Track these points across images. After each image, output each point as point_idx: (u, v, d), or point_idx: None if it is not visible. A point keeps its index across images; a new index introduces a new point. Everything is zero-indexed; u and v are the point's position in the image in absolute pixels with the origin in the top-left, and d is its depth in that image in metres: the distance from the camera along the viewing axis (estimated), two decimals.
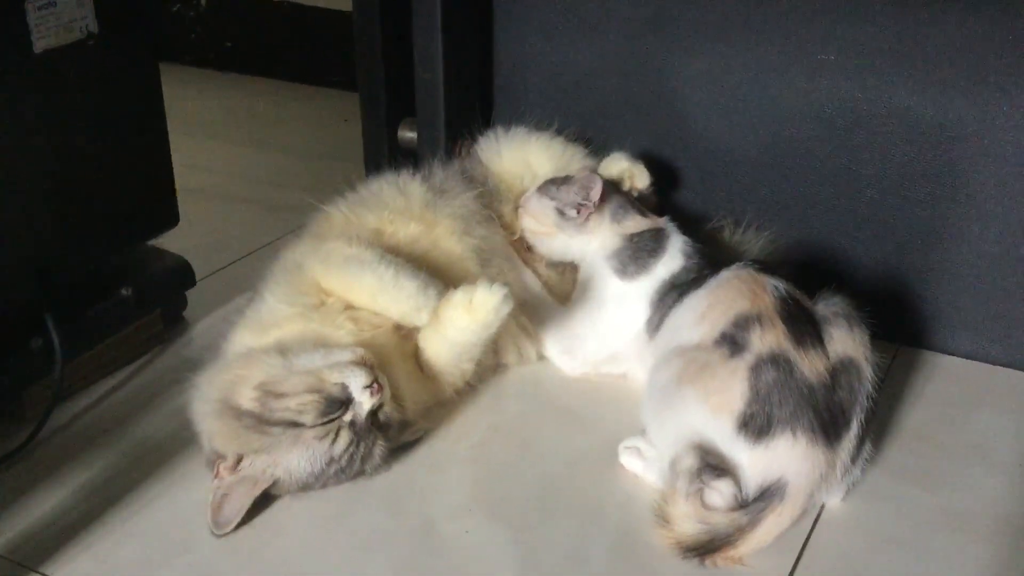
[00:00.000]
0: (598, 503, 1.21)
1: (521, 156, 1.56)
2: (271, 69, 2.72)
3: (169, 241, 1.56)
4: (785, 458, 1.13)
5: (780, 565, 1.12)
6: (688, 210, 1.61)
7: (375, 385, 1.16)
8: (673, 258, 1.37)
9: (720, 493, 1.12)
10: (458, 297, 1.24)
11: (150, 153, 1.47)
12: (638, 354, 1.37)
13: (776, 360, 1.16)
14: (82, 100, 1.33)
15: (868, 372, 1.18)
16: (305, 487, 1.18)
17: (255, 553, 1.13)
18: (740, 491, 1.13)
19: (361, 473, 1.20)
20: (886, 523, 1.19)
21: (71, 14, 1.28)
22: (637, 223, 1.41)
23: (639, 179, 1.53)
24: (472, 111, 1.69)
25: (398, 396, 1.24)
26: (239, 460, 1.15)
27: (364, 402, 1.15)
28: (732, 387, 1.16)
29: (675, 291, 1.34)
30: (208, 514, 1.14)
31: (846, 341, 1.19)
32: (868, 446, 1.21)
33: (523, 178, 1.54)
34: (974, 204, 1.43)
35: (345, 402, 1.15)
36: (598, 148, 1.59)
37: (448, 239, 1.39)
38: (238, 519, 1.15)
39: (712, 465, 1.14)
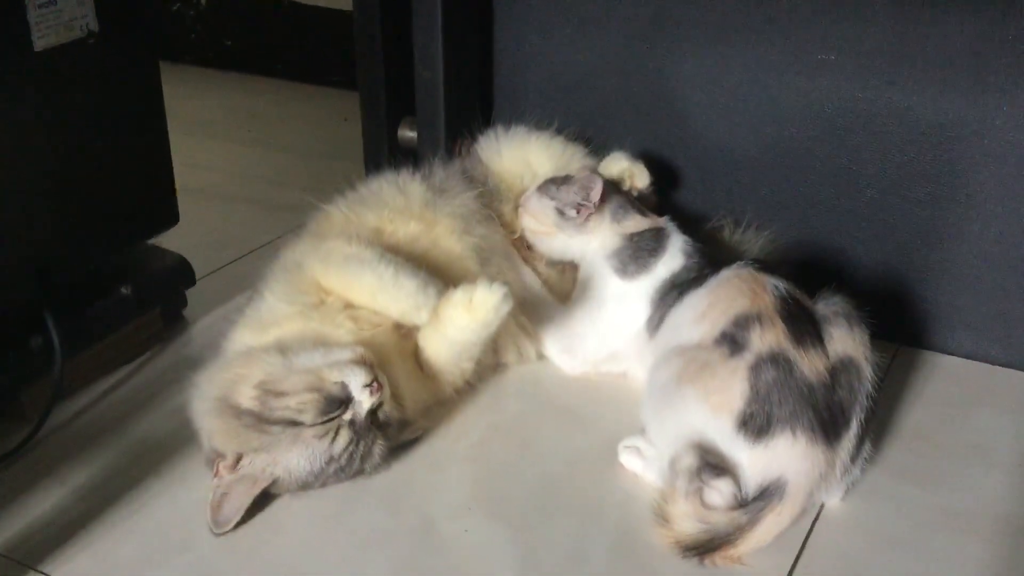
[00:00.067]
0: (598, 502, 1.21)
1: (521, 155, 1.56)
2: (271, 68, 2.72)
3: (169, 240, 1.56)
4: (785, 457, 1.13)
5: (779, 564, 1.12)
6: (688, 209, 1.61)
7: (375, 384, 1.16)
8: (673, 257, 1.37)
9: (720, 492, 1.12)
10: (458, 296, 1.24)
11: (150, 152, 1.47)
12: (638, 353, 1.37)
13: (776, 359, 1.16)
14: (82, 99, 1.33)
15: (868, 371, 1.18)
16: (305, 486, 1.18)
17: (254, 552, 1.13)
18: (740, 490, 1.13)
19: (360, 472, 1.20)
20: (886, 522, 1.19)
21: (71, 12, 1.28)
22: (637, 223, 1.41)
23: (639, 178, 1.53)
24: (472, 110, 1.69)
25: (398, 395, 1.24)
26: (239, 459, 1.15)
27: (364, 401, 1.15)
28: (732, 386, 1.16)
29: (675, 290, 1.34)
30: (208, 513, 1.14)
31: (846, 340, 1.19)
32: (868, 446, 1.21)
33: (523, 177, 1.54)
34: (974, 204, 1.43)
35: (345, 401, 1.15)
36: (598, 147, 1.59)
37: (448, 238, 1.39)
38: (238, 518, 1.15)
39: (712, 464, 1.14)
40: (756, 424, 1.14)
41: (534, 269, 1.47)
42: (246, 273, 1.43)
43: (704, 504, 1.12)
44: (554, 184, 1.44)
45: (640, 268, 1.38)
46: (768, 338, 1.17)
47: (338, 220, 1.39)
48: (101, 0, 1.30)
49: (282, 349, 1.19)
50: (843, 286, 1.27)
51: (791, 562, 1.13)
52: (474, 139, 1.61)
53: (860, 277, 1.53)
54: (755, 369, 1.16)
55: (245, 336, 1.26)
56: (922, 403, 1.40)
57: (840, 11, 1.44)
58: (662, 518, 1.14)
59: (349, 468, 1.18)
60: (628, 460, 1.26)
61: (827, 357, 1.18)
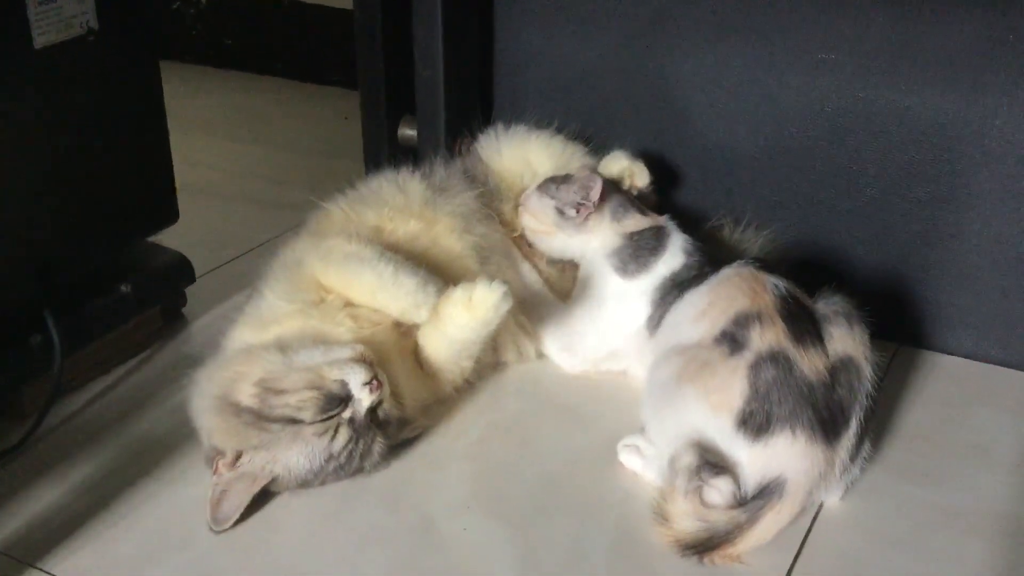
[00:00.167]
0: (597, 501, 1.21)
1: (521, 154, 1.56)
2: (271, 67, 2.72)
3: (169, 238, 1.56)
4: (784, 456, 1.13)
5: (779, 563, 1.12)
6: (688, 208, 1.61)
7: (374, 382, 1.16)
8: (674, 256, 1.37)
9: (719, 491, 1.12)
10: (458, 294, 1.24)
11: (150, 150, 1.47)
12: (638, 352, 1.37)
13: (776, 358, 1.16)
14: (82, 97, 1.33)
15: (868, 371, 1.18)
16: (304, 484, 1.18)
17: (254, 549, 1.13)
18: (739, 489, 1.13)
19: (360, 470, 1.20)
20: (885, 522, 1.19)
21: (71, 10, 1.28)
22: (637, 222, 1.41)
23: (639, 178, 1.53)
24: (472, 109, 1.69)
25: (397, 393, 1.24)
26: (238, 456, 1.15)
27: (363, 399, 1.15)
28: (732, 385, 1.16)
29: (676, 289, 1.34)
30: (207, 510, 1.13)
31: (846, 340, 1.19)
32: (867, 445, 1.21)
33: (523, 176, 1.54)
34: (974, 204, 1.43)
35: (344, 399, 1.15)
36: (598, 146, 1.59)
37: (447, 236, 1.39)
38: (237, 515, 1.15)
39: (711, 463, 1.14)
40: (756, 423, 1.14)
41: (535, 267, 1.47)
42: (246, 271, 1.43)
43: (703, 503, 1.12)
44: (554, 183, 1.44)
45: (640, 267, 1.38)
46: (768, 337, 1.17)
47: (338, 218, 1.39)
48: None
49: (282, 347, 1.19)
50: (843, 285, 1.27)
51: (790, 561, 1.13)
52: (474, 138, 1.61)
53: (860, 276, 1.53)
54: (755, 368, 1.16)
55: (245, 334, 1.26)
56: (922, 403, 1.40)
57: (840, 11, 1.44)
58: (661, 517, 1.14)
59: (348, 466, 1.18)
60: (628, 459, 1.26)
61: (827, 356, 1.18)
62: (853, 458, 1.18)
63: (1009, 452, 1.30)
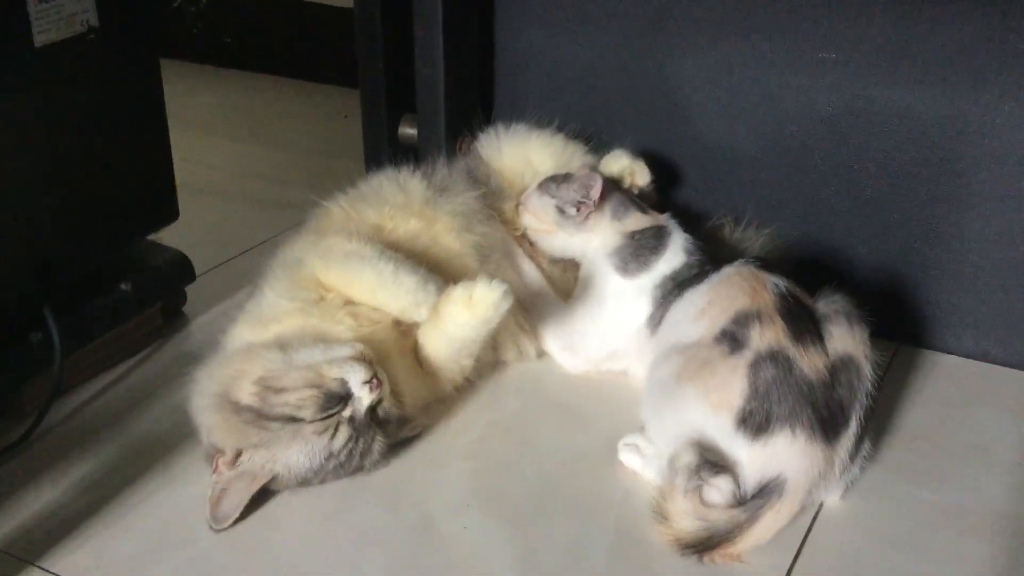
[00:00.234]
0: (597, 500, 1.21)
1: (522, 153, 1.56)
2: (271, 65, 2.72)
3: (169, 236, 1.56)
4: (784, 455, 1.13)
5: (779, 562, 1.12)
6: (689, 208, 1.61)
7: (374, 380, 1.16)
8: (675, 255, 1.37)
9: (719, 490, 1.12)
10: (458, 293, 1.24)
11: (150, 148, 1.47)
12: (639, 351, 1.37)
13: (775, 357, 1.16)
14: (82, 94, 1.33)
15: (867, 370, 1.18)
16: (304, 482, 1.18)
17: (254, 548, 1.13)
18: (739, 488, 1.13)
19: (360, 469, 1.20)
20: (885, 521, 1.19)
21: (72, 8, 1.28)
22: (638, 220, 1.41)
23: (640, 176, 1.53)
24: (473, 108, 1.69)
25: (397, 392, 1.24)
26: (238, 455, 1.15)
27: (363, 397, 1.15)
28: (731, 384, 1.16)
29: (676, 288, 1.34)
30: (207, 509, 1.13)
31: (846, 339, 1.19)
32: (867, 444, 1.21)
33: (524, 175, 1.54)
34: (975, 203, 1.43)
35: (344, 397, 1.15)
36: (599, 145, 1.59)
37: (447, 236, 1.39)
38: (237, 514, 1.15)
39: (711, 462, 1.14)
40: (755, 422, 1.14)
41: (539, 265, 1.47)
42: (246, 270, 1.43)
43: (703, 502, 1.12)
44: (554, 182, 1.44)
45: (641, 266, 1.38)
46: (768, 336, 1.17)
47: (338, 217, 1.39)
48: None
49: (282, 345, 1.19)
50: (843, 284, 1.27)
51: (790, 560, 1.13)
52: (475, 137, 1.60)
53: (860, 275, 1.53)
54: (755, 367, 1.16)
55: (245, 332, 1.26)
56: (922, 402, 1.40)
57: (841, 10, 1.44)
58: (661, 516, 1.14)
59: (348, 465, 1.18)
60: (628, 458, 1.26)
61: (827, 355, 1.18)
62: (853, 457, 1.18)
63: (1009, 452, 1.30)
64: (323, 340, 1.21)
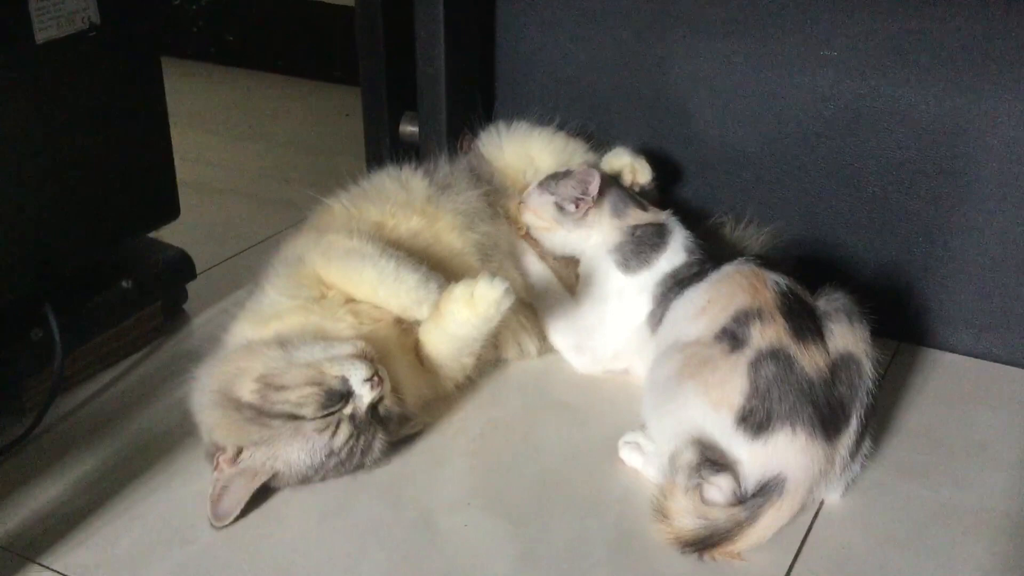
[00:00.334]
0: (597, 498, 1.21)
1: (523, 151, 1.56)
2: (273, 63, 2.72)
3: (170, 234, 1.56)
4: (784, 453, 1.13)
5: (779, 561, 1.12)
6: (690, 205, 1.61)
7: (375, 378, 1.16)
8: (676, 253, 1.37)
9: (719, 488, 1.12)
10: (459, 291, 1.24)
11: (151, 145, 1.47)
12: (640, 349, 1.37)
13: (776, 355, 1.16)
14: (83, 92, 1.33)
15: (868, 368, 1.18)
16: (305, 480, 1.18)
17: (254, 545, 1.13)
18: (739, 486, 1.13)
19: (360, 466, 1.20)
20: (886, 519, 1.19)
21: (73, 5, 1.27)
22: (638, 216, 1.40)
23: (641, 174, 1.53)
24: (474, 105, 1.69)
25: (398, 389, 1.24)
26: (239, 452, 1.15)
27: (364, 395, 1.15)
28: (732, 382, 1.16)
29: (677, 286, 1.34)
30: (208, 506, 1.14)
31: (846, 337, 1.19)
32: (868, 442, 1.21)
33: (525, 173, 1.54)
34: (976, 201, 1.43)
35: (345, 395, 1.15)
36: (600, 143, 1.59)
37: (449, 234, 1.39)
38: (237, 511, 1.15)
39: (711, 460, 1.14)
40: (756, 420, 1.14)
41: (547, 263, 1.47)
42: (247, 267, 1.43)
43: (704, 500, 1.12)
44: (554, 179, 1.44)
45: (642, 263, 1.37)
46: (768, 334, 1.17)
47: (340, 214, 1.39)
48: None
49: (283, 343, 1.19)
50: (844, 282, 1.27)
51: (791, 558, 1.13)
52: (476, 135, 1.60)
53: (862, 274, 1.53)
54: (755, 365, 1.16)
55: (246, 330, 1.26)
56: (923, 400, 1.40)
57: (842, 8, 1.43)
58: (662, 514, 1.14)
59: (349, 462, 1.18)
60: (628, 456, 1.26)
61: (827, 353, 1.18)
62: (853, 455, 1.18)
63: (1010, 450, 1.30)
64: (324, 338, 1.21)
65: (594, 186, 1.38)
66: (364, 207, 1.39)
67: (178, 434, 1.28)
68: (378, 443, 1.20)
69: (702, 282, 1.30)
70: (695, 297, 1.28)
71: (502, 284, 1.23)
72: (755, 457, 1.14)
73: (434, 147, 1.63)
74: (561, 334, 1.45)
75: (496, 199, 1.48)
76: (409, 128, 1.73)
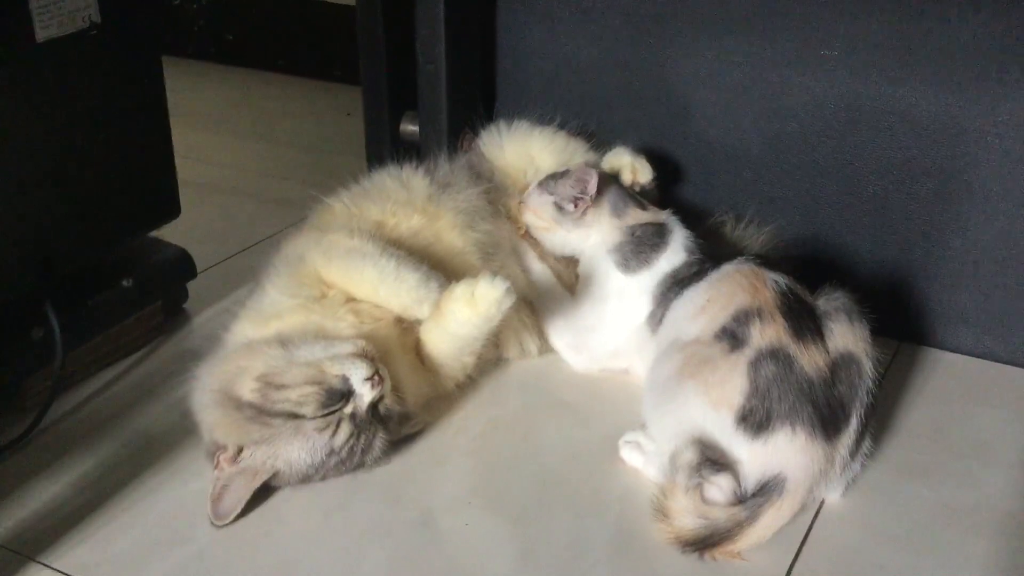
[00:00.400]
0: (598, 497, 1.21)
1: (524, 150, 1.56)
2: (273, 62, 2.72)
3: (170, 233, 1.56)
4: (784, 453, 1.13)
5: (779, 560, 1.12)
6: (690, 205, 1.61)
7: (376, 377, 1.16)
8: (676, 252, 1.37)
9: (719, 488, 1.12)
10: (460, 290, 1.24)
11: (152, 145, 1.47)
12: (640, 349, 1.37)
13: (776, 355, 1.16)
14: (84, 91, 1.33)
15: (868, 367, 1.18)
16: (305, 479, 1.18)
17: (255, 544, 1.13)
18: (739, 486, 1.13)
19: (361, 465, 1.20)
20: (886, 519, 1.19)
21: (74, 4, 1.27)
22: (638, 216, 1.40)
23: (641, 174, 1.53)
24: (474, 104, 1.69)
25: (399, 389, 1.24)
26: (239, 451, 1.15)
27: (365, 394, 1.15)
28: (732, 381, 1.16)
29: (677, 286, 1.34)
30: (208, 505, 1.14)
31: (846, 336, 1.19)
32: (868, 442, 1.21)
33: (526, 172, 1.54)
34: (976, 200, 1.43)
35: (346, 394, 1.15)
36: (601, 142, 1.59)
37: (450, 233, 1.39)
38: (238, 510, 1.15)
39: (712, 460, 1.14)
40: (756, 419, 1.14)
41: (548, 263, 1.47)
42: (248, 266, 1.43)
43: (704, 500, 1.12)
44: (553, 179, 1.44)
45: (642, 263, 1.37)
46: (768, 333, 1.17)
47: (340, 213, 1.39)
48: None
49: (283, 342, 1.19)
50: (845, 282, 1.27)
51: (791, 558, 1.13)
52: (476, 134, 1.60)
53: (862, 273, 1.53)
54: (755, 364, 1.16)
55: (246, 329, 1.26)
56: (923, 400, 1.40)
57: (843, 7, 1.43)
58: (662, 513, 1.14)
59: (350, 461, 1.18)
60: (628, 455, 1.26)
61: (827, 353, 1.18)
62: (854, 455, 1.18)
63: (1010, 449, 1.30)
64: (325, 337, 1.21)
65: (592, 185, 1.38)
66: (365, 206, 1.39)
67: (178, 433, 1.28)
68: (378, 442, 1.20)
69: (702, 281, 1.30)
70: (695, 296, 1.28)
71: (503, 283, 1.23)
72: (755, 457, 1.14)
73: (435, 146, 1.63)
74: (559, 333, 1.45)
75: (497, 197, 1.48)
76: (410, 127, 1.73)
